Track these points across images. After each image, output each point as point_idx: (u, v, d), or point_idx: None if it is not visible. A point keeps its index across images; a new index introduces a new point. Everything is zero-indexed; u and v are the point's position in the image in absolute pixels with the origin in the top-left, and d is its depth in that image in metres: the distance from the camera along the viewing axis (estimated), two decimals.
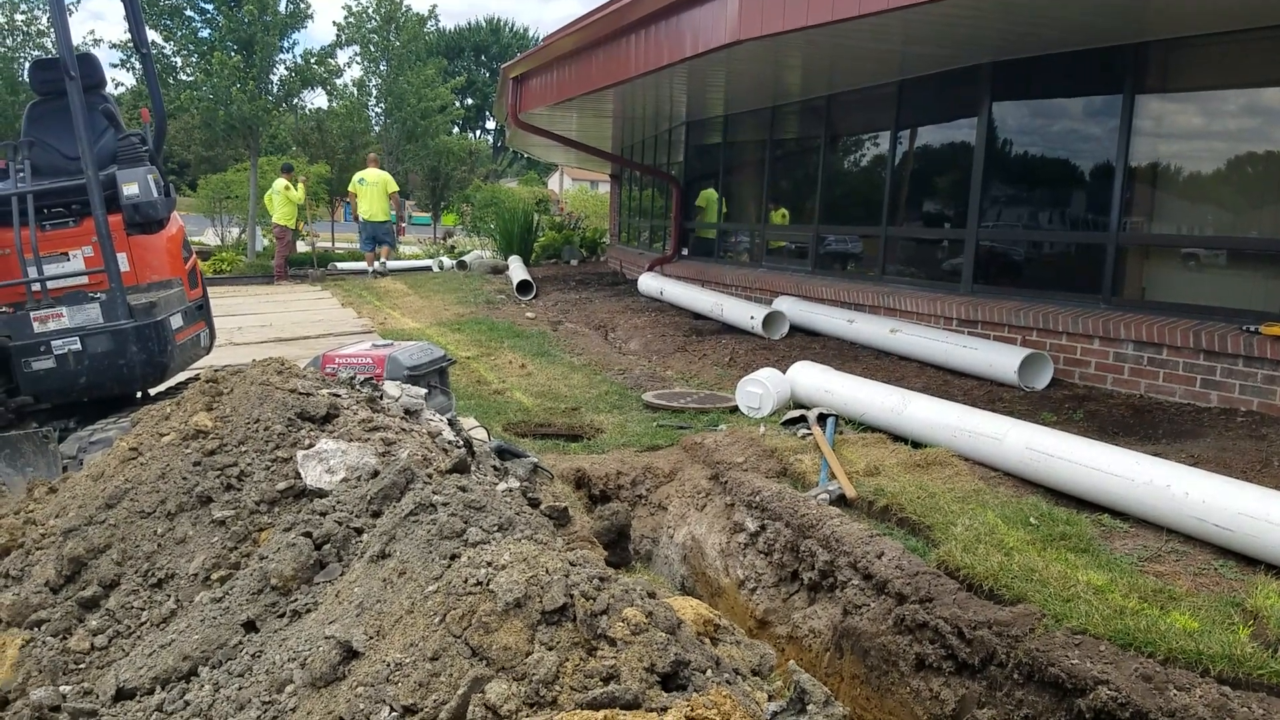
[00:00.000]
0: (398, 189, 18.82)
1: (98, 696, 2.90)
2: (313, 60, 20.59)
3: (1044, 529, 4.33)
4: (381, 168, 18.72)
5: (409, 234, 31.71)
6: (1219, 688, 2.96)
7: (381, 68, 26.95)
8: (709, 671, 2.58)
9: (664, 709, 2.36)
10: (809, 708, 2.19)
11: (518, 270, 16.20)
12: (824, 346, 8.74)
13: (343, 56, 27.37)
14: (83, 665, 3.20)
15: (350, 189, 18.03)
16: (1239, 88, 6.99)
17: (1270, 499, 3.90)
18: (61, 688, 3.03)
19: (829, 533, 4.47)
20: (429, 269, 20.16)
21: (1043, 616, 3.54)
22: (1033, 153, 8.57)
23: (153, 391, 5.63)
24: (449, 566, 2.70)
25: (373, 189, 17.64)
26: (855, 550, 4.29)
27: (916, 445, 5.59)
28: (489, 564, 2.62)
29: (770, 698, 2.74)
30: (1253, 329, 6.14)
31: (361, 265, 19.12)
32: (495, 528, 2.88)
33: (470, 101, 57.24)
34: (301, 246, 21.30)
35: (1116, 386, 7.05)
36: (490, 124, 63.73)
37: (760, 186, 12.93)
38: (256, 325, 11.49)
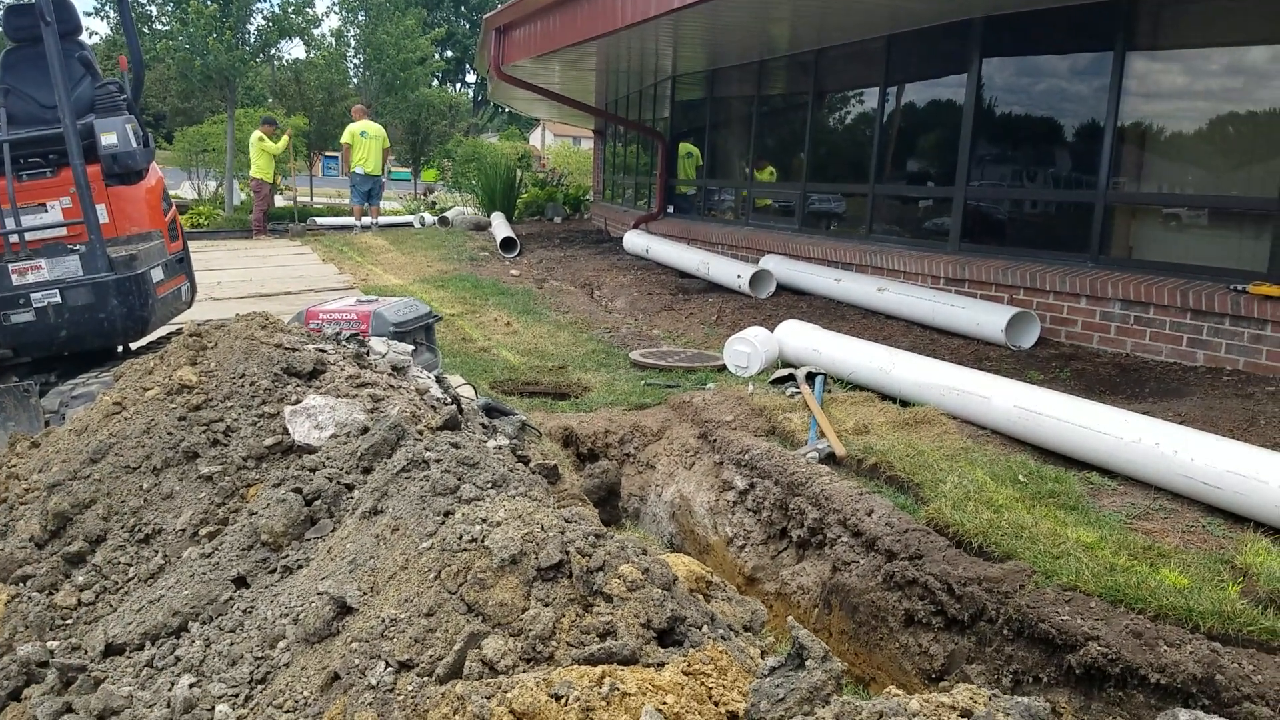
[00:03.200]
0: (389, 145, 18.61)
1: (86, 652, 2.88)
2: (290, 10, 20.19)
3: (1032, 486, 4.35)
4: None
5: (388, 189, 31.40)
6: (1209, 644, 2.98)
7: (360, 18, 26.47)
8: (704, 628, 2.58)
9: (661, 664, 2.36)
10: (808, 663, 2.18)
11: (501, 227, 16.06)
12: (811, 305, 8.71)
13: (320, 5, 26.80)
14: (70, 621, 3.17)
15: (345, 140, 17.65)
16: (1229, 45, 6.95)
17: (1258, 457, 3.92)
18: (49, 643, 3.00)
19: (818, 490, 4.47)
20: (410, 225, 19.99)
21: (1033, 573, 3.56)
22: (1022, 110, 8.52)
23: (133, 346, 5.56)
24: (443, 523, 2.68)
25: (373, 142, 17.45)
26: (845, 508, 4.29)
27: (905, 404, 5.59)
28: (484, 520, 2.60)
29: (763, 653, 2.74)
30: (1240, 288, 6.15)
31: (344, 220, 18.91)
32: (489, 484, 2.85)
33: (450, 54, 56.28)
34: (281, 201, 21.02)
35: (1103, 345, 7.07)
36: (470, 77, 62.79)
37: (747, 143, 12.82)
38: (236, 280, 11.35)
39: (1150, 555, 3.63)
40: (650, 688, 2.20)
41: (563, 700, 2.13)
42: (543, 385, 6.53)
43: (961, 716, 1.61)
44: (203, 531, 3.37)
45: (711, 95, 13.94)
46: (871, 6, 8.63)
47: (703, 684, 2.32)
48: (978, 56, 8.58)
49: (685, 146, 14.64)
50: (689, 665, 2.36)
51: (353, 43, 26.85)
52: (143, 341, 5.54)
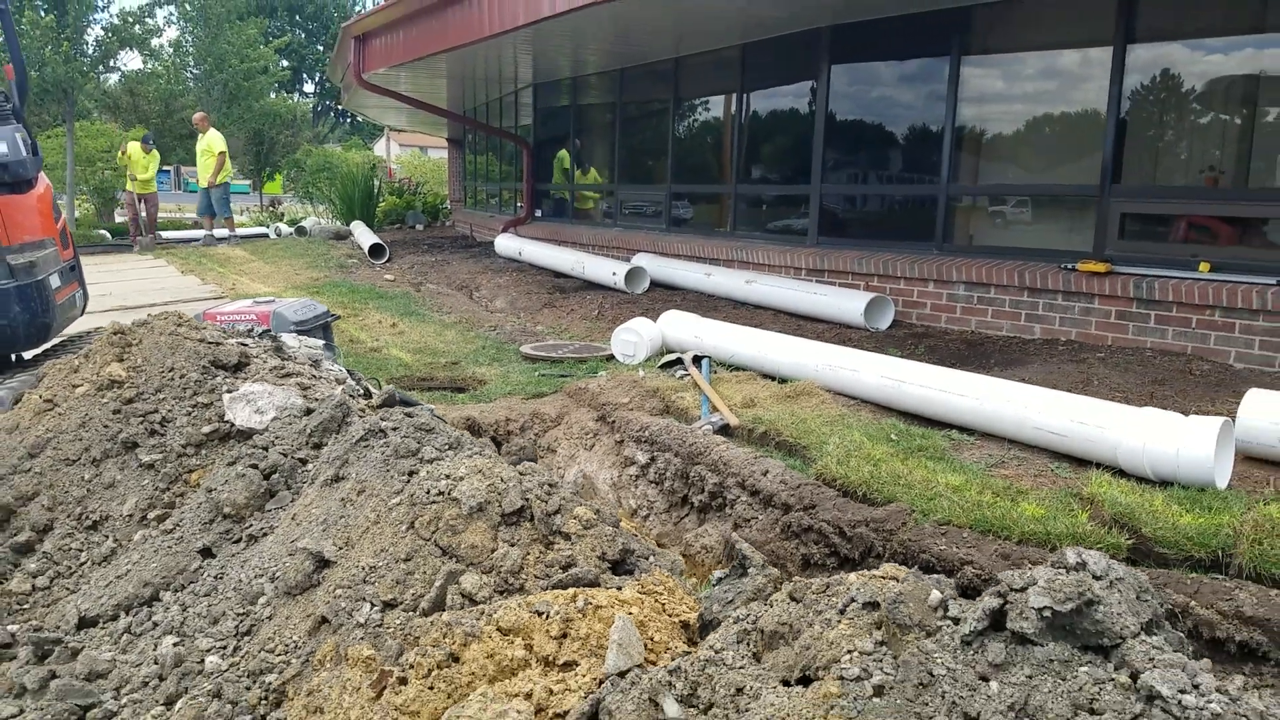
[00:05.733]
0: None
1: (59, 626, 3.01)
2: (130, 20, 19.51)
3: (903, 443, 4.87)
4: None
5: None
6: None
7: (197, 31, 25.69)
8: (650, 558, 2.94)
9: (620, 587, 2.70)
10: (750, 570, 2.57)
11: (366, 235, 15.98)
12: (684, 299, 9.18)
13: (159, 16, 25.79)
14: (26, 606, 3.27)
15: (222, 148, 17.08)
16: (1049, 49, 7.76)
17: (1097, 408, 4.55)
18: (9, 627, 3.11)
19: (717, 457, 4.88)
20: (266, 236, 19.62)
21: (912, 512, 4.05)
22: (870, 113, 9.22)
23: (27, 355, 5.52)
24: (409, 481, 2.95)
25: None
26: (742, 470, 4.71)
27: (784, 381, 6.08)
28: (448, 476, 2.88)
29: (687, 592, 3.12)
30: (1070, 267, 6.93)
31: (190, 234, 18.51)
32: (446, 446, 3.13)
33: (285, 64, 54.73)
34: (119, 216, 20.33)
35: (950, 324, 7.78)
36: (309, 87, 61.25)
37: (612, 147, 13.24)
38: (97, 294, 10.97)
39: (1010, 493, 4.18)
40: (617, 602, 2.55)
41: (544, 615, 2.45)
42: (439, 380, 6.74)
43: (892, 580, 2.02)
44: (151, 515, 3.52)
45: (575, 102, 14.32)
46: (724, 16, 9.16)
47: (657, 600, 2.68)
48: (827, 63, 9.24)
49: (562, 155, 14.82)
50: (643, 586, 2.72)
51: (192, 52, 25.99)
52: (37, 350, 5.52)
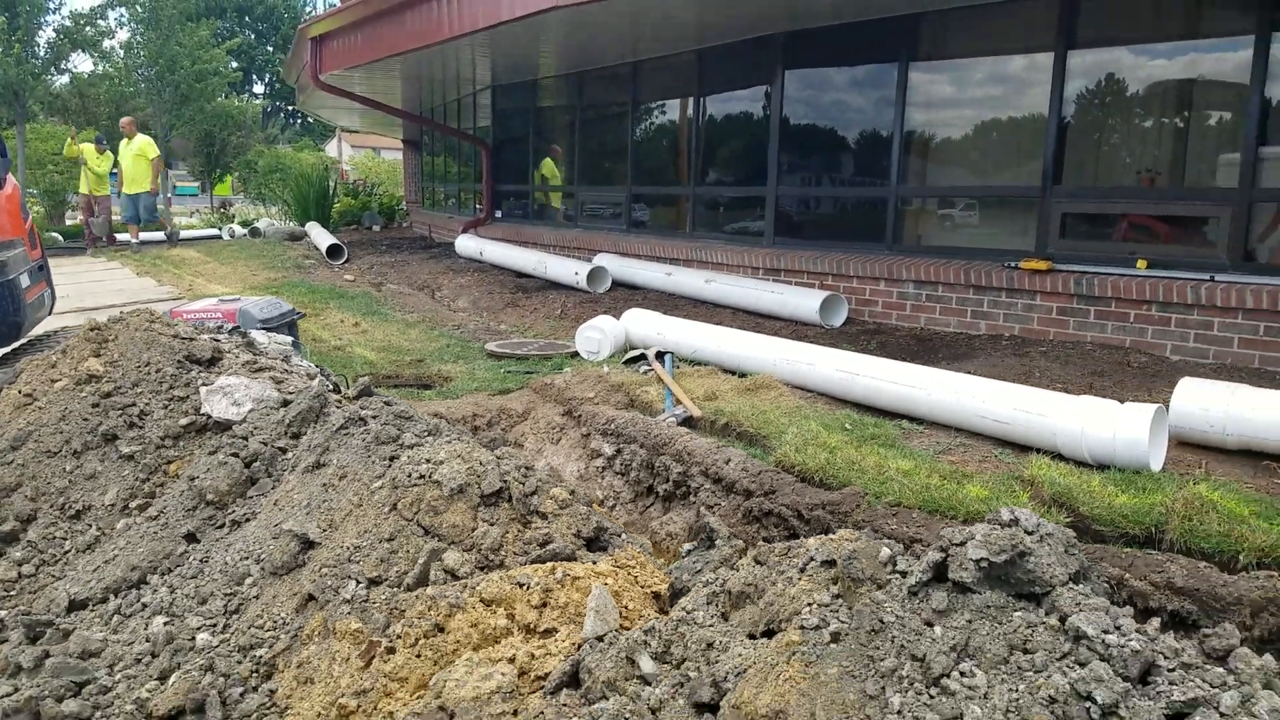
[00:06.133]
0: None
1: (49, 610, 3.10)
2: (82, 22, 19.31)
3: (857, 432, 5.09)
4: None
5: (178, 204, 30.52)
6: None
7: (150, 32, 25.42)
8: (622, 535, 3.11)
9: (595, 561, 2.87)
10: (717, 542, 2.74)
11: (323, 236, 15.99)
12: (645, 298, 9.35)
13: (110, 18, 25.40)
14: (13, 593, 3.36)
15: (157, 153, 16.93)
16: (998, 55, 8.04)
17: (1039, 396, 4.79)
18: None
19: (681, 448, 5.06)
20: (219, 237, 19.51)
21: (865, 495, 4.26)
22: (823, 117, 9.46)
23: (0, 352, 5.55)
24: (390, 465, 3.09)
25: None
26: (706, 459, 4.90)
27: (743, 375, 6.28)
28: (429, 460, 3.03)
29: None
30: (1013, 265, 7.21)
31: (153, 236, 18.42)
32: (425, 433, 3.27)
33: (235, 65, 54.18)
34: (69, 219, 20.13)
35: (901, 321, 8.03)
36: (259, 88, 60.61)
37: (572, 149, 13.39)
38: None
39: (957, 477, 4.40)
40: (593, 574, 2.71)
41: (525, 587, 2.61)
42: (405, 378, 6.85)
43: (847, 542, 2.20)
44: (133, 505, 3.62)
45: (535, 104, 14.44)
46: (681, 21, 9.36)
47: (630, 573, 2.85)
48: (780, 69, 9.48)
49: (546, 162, 14.63)
50: (616, 561, 2.89)
51: (143, 55, 25.71)
52: (6, 350, 5.55)
